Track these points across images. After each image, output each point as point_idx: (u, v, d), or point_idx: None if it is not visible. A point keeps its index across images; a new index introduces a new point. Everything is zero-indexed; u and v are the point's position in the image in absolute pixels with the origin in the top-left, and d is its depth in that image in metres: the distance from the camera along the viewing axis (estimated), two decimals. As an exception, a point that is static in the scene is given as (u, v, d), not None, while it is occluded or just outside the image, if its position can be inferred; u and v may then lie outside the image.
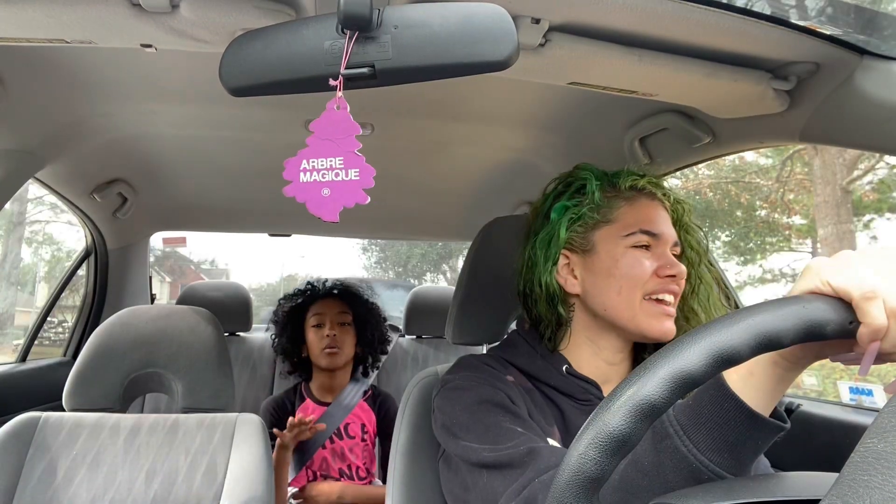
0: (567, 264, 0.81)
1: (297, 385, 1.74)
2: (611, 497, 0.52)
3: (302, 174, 0.59)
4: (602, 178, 0.82)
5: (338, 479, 1.60)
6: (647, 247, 0.77)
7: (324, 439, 1.60)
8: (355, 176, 0.59)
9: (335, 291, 1.75)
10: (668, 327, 0.75)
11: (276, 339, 1.75)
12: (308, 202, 0.59)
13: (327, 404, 1.66)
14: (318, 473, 1.60)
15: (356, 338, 1.71)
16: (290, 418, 1.49)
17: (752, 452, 0.49)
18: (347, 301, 1.72)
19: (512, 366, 0.81)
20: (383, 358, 1.85)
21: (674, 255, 0.79)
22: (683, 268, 0.76)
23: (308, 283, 1.79)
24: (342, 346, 1.64)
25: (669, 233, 0.78)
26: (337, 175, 0.59)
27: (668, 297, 0.75)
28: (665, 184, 0.85)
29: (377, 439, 1.72)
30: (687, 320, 0.80)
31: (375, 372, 1.82)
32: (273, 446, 1.54)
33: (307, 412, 1.63)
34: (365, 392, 1.71)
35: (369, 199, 0.58)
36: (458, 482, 0.72)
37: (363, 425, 1.67)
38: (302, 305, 1.73)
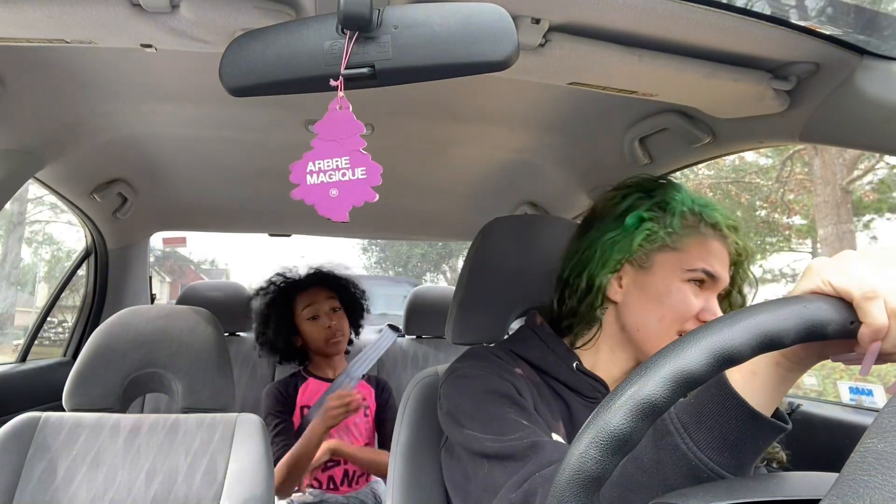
0: (619, 273, 0.80)
1: (295, 372, 1.73)
2: (609, 493, 0.52)
3: (309, 176, 0.59)
4: (689, 204, 0.79)
5: (339, 462, 1.59)
6: (700, 283, 0.76)
7: None
8: (362, 174, 0.59)
9: (317, 277, 1.75)
10: None
11: (261, 335, 1.72)
12: (317, 204, 0.59)
13: (330, 380, 1.68)
14: None
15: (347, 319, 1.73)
16: (334, 395, 1.48)
17: (753, 452, 0.49)
18: (333, 287, 1.73)
19: (521, 359, 0.81)
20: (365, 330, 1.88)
21: (718, 294, 0.78)
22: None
23: (279, 274, 1.76)
24: (343, 331, 1.68)
25: (725, 278, 0.77)
26: (344, 175, 0.59)
27: None
28: (740, 228, 0.81)
29: (375, 422, 1.72)
30: None
31: (360, 336, 1.85)
32: (275, 443, 1.54)
33: (310, 390, 1.64)
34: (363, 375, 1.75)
35: (378, 197, 0.59)
36: (460, 471, 0.72)
37: (362, 398, 1.68)
38: (286, 297, 1.71)
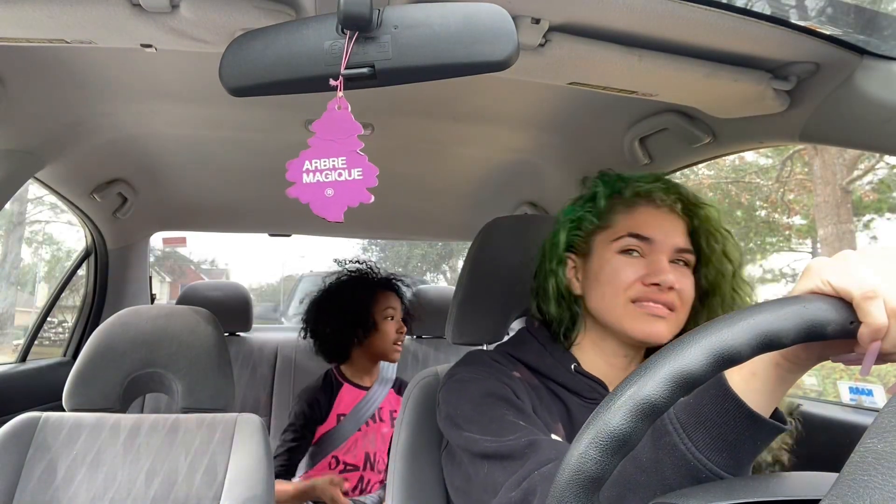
0: (574, 267, 0.82)
1: (327, 373, 1.71)
2: (608, 492, 0.52)
3: (305, 175, 0.59)
4: (612, 184, 0.81)
5: (358, 467, 1.61)
6: (639, 253, 0.76)
7: (363, 422, 1.62)
8: (358, 175, 0.59)
9: (395, 284, 1.76)
10: (655, 330, 0.73)
11: (334, 314, 1.65)
12: (312, 203, 0.59)
13: (366, 388, 1.68)
14: (341, 460, 1.60)
15: None
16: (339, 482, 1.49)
17: (751, 453, 0.49)
18: (402, 298, 1.75)
19: (520, 362, 0.82)
20: None
21: (683, 262, 0.76)
22: (671, 277, 0.73)
23: (362, 262, 1.76)
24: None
25: (666, 240, 0.76)
26: (340, 175, 0.59)
27: (653, 305, 0.73)
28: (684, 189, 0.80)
29: None
30: None
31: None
32: (277, 457, 1.54)
33: (346, 398, 1.65)
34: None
35: (373, 198, 0.59)
36: (461, 474, 0.72)
37: (392, 411, 1.70)
38: (367, 288, 1.69)
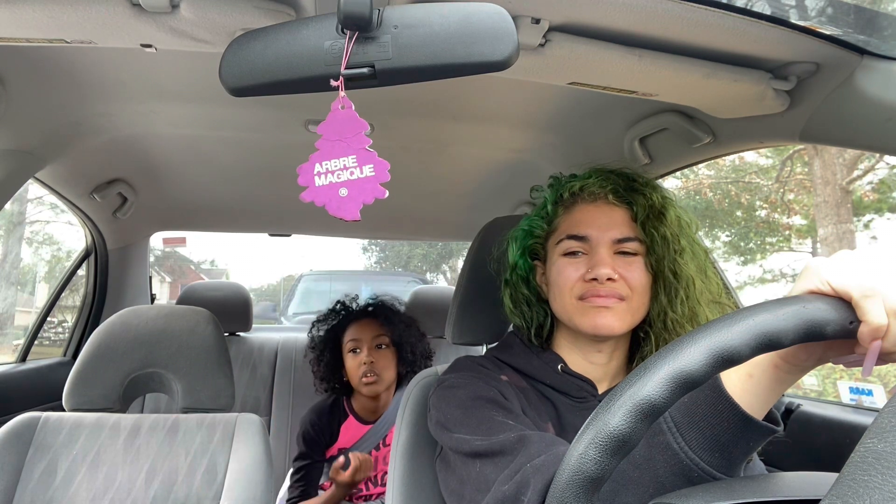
0: (542, 273, 0.84)
1: (337, 399, 1.63)
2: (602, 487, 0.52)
3: (317, 178, 0.59)
4: (557, 187, 0.84)
5: (361, 489, 1.56)
6: (582, 252, 0.77)
7: (364, 451, 1.55)
8: (370, 172, 0.59)
9: (370, 309, 1.62)
10: (601, 322, 0.73)
11: (315, 367, 1.62)
12: (327, 205, 0.59)
13: (371, 422, 1.58)
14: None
15: (396, 358, 1.58)
16: (339, 461, 1.40)
17: (744, 453, 0.50)
18: (384, 321, 1.59)
19: (508, 366, 0.83)
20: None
21: (632, 252, 0.76)
22: (605, 270, 0.73)
23: (339, 302, 1.66)
24: (381, 371, 1.51)
25: (602, 234, 0.76)
26: (352, 174, 0.59)
27: (596, 299, 0.74)
28: (619, 180, 0.80)
29: None
30: (665, 326, 0.76)
31: None
32: (293, 486, 1.52)
33: (350, 433, 1.59)
34: None
35: (387, 193, 0.59)
36: (455, 478, 0.72)
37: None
38: (338, 328, 1.61)
